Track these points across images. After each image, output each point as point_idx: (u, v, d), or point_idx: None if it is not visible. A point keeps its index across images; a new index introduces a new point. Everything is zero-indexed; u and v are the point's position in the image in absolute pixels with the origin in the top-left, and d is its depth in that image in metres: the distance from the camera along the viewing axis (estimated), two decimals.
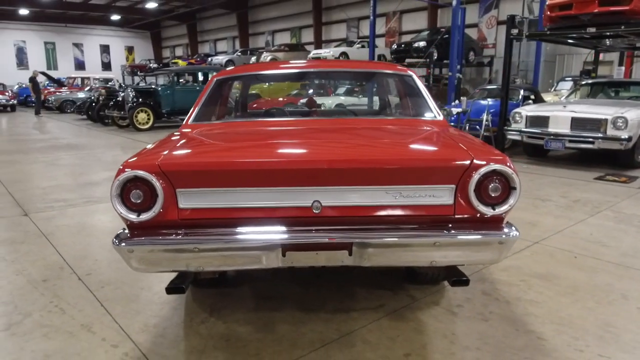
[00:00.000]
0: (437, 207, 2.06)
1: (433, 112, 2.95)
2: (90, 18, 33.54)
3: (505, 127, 7.82)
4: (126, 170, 1.96)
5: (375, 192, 2.04)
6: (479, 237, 2.02)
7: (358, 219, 2.05)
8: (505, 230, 2.06)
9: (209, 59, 24.86)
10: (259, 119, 3.21)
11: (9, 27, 31.93)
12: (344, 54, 18.64)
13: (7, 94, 19.87)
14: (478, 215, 2.04)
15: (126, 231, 2.03)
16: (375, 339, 2.38)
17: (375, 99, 4.31)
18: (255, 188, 2.00)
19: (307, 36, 25.43)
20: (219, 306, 2.74)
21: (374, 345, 2.33)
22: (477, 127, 8.24)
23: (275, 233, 2.00)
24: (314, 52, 19.58)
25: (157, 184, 1.96)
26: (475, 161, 2.01)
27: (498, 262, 2.16)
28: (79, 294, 2.89)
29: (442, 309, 2.68)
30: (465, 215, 2.05)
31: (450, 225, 2.06)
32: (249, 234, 2.00)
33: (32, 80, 18.04)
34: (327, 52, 18.85)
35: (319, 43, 24.07)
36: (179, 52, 36.31)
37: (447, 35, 14.69)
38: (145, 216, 1.97)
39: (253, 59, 22.62)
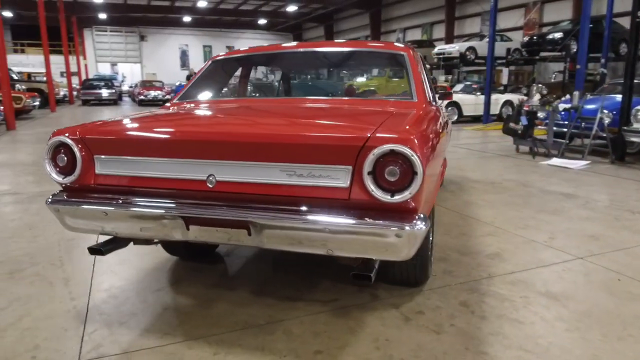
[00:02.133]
0: (332, 190, 1.83)
1: (411, 93, 2.62)
2: (241, 23, 36.95)
3: (625, 127, 6.56)
4: (54, 137, 2.14)
5: (269, 169, 1.89)
6: (368, 226, 1.75)
7: (252, 197, 1.93)
8: (407, 222, 1.74)
9: None
10: (230, 99, 3.16)
11: (175, 33, 36.82)
12: (471, 48, 17.49)
13: (163, 90, 22.97)
14: (376, 202, 1.77)
15: (62, 193, 2.22)
16: (299, 331, 2.22)
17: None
18: (157, 158, 2.02)
19: (439, 32, 24.46)
20: (184, 278, 2.82)
21: (292, 337, 2.17)
22: (593, 126, 7.05)
23: (171, 204, 1.99)
24: (438, 48, 18.75)
25: (77, 150, 2.10)
26: (371, 140, 1.75)
27: (402, 258, 1.84)
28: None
29: (398, 314, 2.37)
30: (362, 201, 1.79)
31: (344, 210, 1.82)
32: (149, 202, 2.02)
33: (189, 77, 20.61)
34: (453, 47, 17.89)
35: (450, 39, 22.97)
36: None
37: (591, 25, 12.80)
38: (68, 179, 2.13)
39: None
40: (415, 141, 1.73)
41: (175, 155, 1.98)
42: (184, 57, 38.17)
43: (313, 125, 2.18)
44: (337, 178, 1.82)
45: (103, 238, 2.32)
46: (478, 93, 13.53)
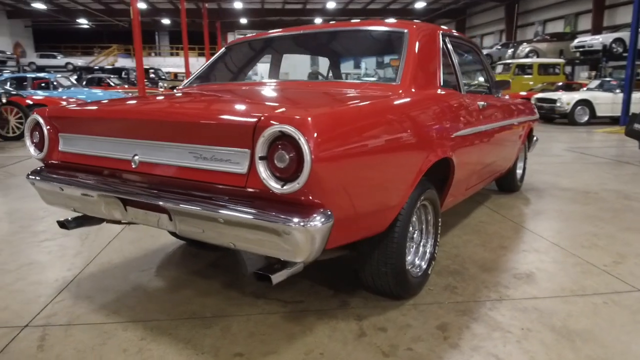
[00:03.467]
0: (232, 176, 1.63)
1: (396, 75, 2.25)
2: (392, 10, 36.95)
3: None
4: (32, 115, 2.29)
5: (179, 151, 1.77)
6: (256, 219, 1.51)
7: (166, 180, 1.82)
8: (300, 218, 1.47)
9: None
10: (218, 83, 2.99)
11: None
12: (618, 40, 15.09)
13: None
14: (269, 192, 1.52)
15: (40, 168, 2.36)
16: (237, 330, 2.05)
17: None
18: (97, 137, 2.03)
19: (584, 23, 21.55)
20: (175, 261, 2.84)
21: (226, 334, 2.01)
22: None
23: (106, 184, 1.98)
24: (577, 41, 16.55)
25: (45, 128, 2.21)
26: (263, 120, 1.51)
27: (301, 259, 1.55)
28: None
29: (356, 327, 2.06)
30: (258, 191, 1.56)
31: (241, 200, 1.60)
32: (89, 181, 2.04)
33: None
34: (595, 39, 15.63)
35: (597, 30, 20.09)
36: (486, 41, 36.17)
37: None
38: (40, 155, 2.26)
39: (509, 52, 20.72)
40: (309, 122, 1.45)
41: (108, 133, 1.97)
42: (314, 57, 39.52)
43: (224, 105, 2.01)
44: (237, 162, 1.62)
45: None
46: (617, 90, 11.60)
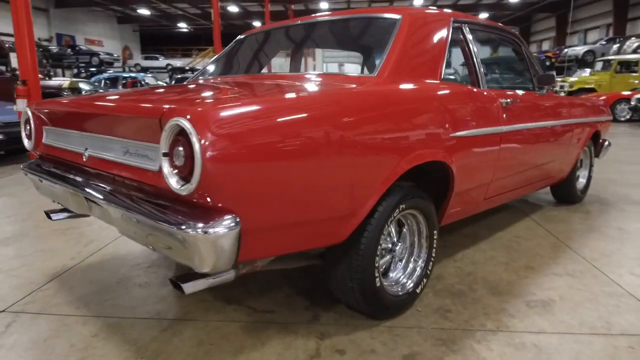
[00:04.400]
0: (147, 173, 1.51)
1: (375, 67, 1.98)
2: None
3: None
4: (25, 109, 2.37)
5: (112, 145, 1.70)
6: (155, 222, 1.37)
7: (104, 174, 1.75)
8: (197, 223, 1.30)
9: (565, 50, 22.08)
10: (226, 75, 2.85)
11: None
12: None
13: None
14: (172, 192, 1.37)
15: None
16: (188, 336, 1.94)
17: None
18: (63, 129, 2.04)
19: None
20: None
21: (175, 339, 1.91)
22: None
23: (64, 177, 1.97)
24: None
25: (32, 120, 2.27)
26: (166, 113, 1.36)
27: (205, 269, 1.38)
28: None
29: (313, 345, 1.86)
30: (166, 190, 1.42)
31: (154, 198, 1.48)
32: (56, 173, 2.05)
33: None
34: None
35: None
36: (545, 46, 33.64)
37: None
38: (29, 146, 2.34)
39: (614, 47, 18.61)
40: (204, 116, 1.28)
41: (70, 126, 1.96)
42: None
43: (150, 98, 1.89)
44: (152, 159, 1.50)
45: None
46: None
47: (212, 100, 1.70)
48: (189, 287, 1.46)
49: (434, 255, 2.22)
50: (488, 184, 2.54)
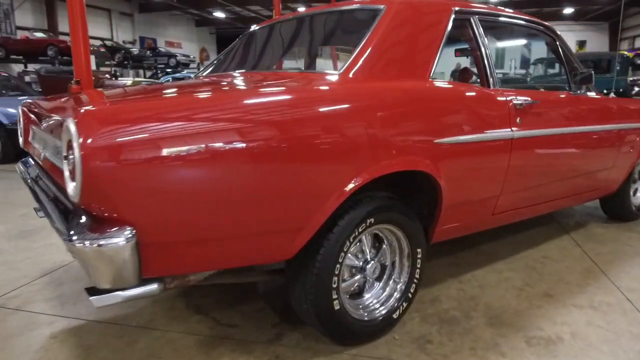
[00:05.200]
0: (62, 176, 1.42)
1: (342, 64, 1.75)
2: (543, 14, 33.14)
3: None
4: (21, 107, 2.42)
5: (51, 144, 1.64)
6: (56, 229, 1.27)
7: (48, 176, 1.72)
8: (89, 234, 1.18)
9: None
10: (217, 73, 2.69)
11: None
12: None
13: None
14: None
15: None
16: (142, 346, 1.86)
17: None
18: (35, 128, 2.03)
19: None
20: None
21: (127, 349, 1.83)
22: None
23: (31, 177, 1.96)
24: None
25: (22, 118, 2.32)
26: (67, 113, 1.26)
27: (104, 284, 1.26)
28: None
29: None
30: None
31: (67, 205, 1.38)
32: (27, 173, 2.05)
33: (453, 73, 20.03)
34: None
35: None
36: (638, 43, 30.56)
37: None
38: (21, 143, 2.39)
39: None
40: (86, 117, 1.16)
41: (38, 125, 1.95)
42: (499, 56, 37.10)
43: (80, 97, 1.79)
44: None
45: None
46: None
47: (115, 100, 1.57)
48: (98, 300, 1.35)
49: (417, 276, 1.97)
50: (496, 197, 2.23)
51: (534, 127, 2.27)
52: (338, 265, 1.68)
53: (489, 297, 2.27)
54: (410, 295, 1.96)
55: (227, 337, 1.92)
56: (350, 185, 1.58)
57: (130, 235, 1.21)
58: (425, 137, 1.79)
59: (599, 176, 2.92)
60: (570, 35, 35.53)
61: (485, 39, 2.23)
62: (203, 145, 1.27)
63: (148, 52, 25.60)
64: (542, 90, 2.59)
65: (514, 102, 2.18)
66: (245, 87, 1.82)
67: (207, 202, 1.32)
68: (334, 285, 1.68)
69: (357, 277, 1.87)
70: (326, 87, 1.69)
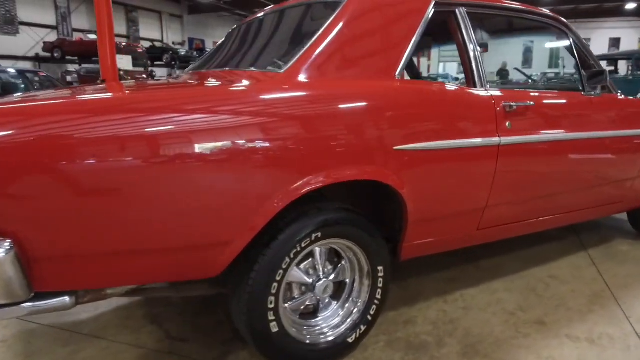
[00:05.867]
0: None
1: (288, 60, 1.58)
2: (602, 10, 31.17)
3: None
4: None
5: None
6: None
7: None
8: None
9: None
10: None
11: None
12: None
13: None
14: None
15: None
16: (82, 358, 1.78)
17: None
18: None
19: None
20: None
21: (68, 359, 1.76)
22: None
23: None
24: None
25: None
26: None
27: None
28: None
29: None
30: None
31: None
32: None
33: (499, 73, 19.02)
34: None
35: None
36: None
37: None
38: None
39: None
40: None
41: None
42: (527, 53, 35.48)
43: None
44: None
45: None
46: None
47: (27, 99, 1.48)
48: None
49: (379, 297, 1.77)
50: (481, 210, 1.99)
51: (529, 132, 2.01)
52: (275, 284, 1.52)
53: (471, 322, 2.03)
54: (370, 317, 1.77)
55: (172, 352, 1.81)
56: (282, 198, 1.42)
57: (8, 248, 1.12)
58: (382, 144, 1.60)
59: (620, 187, 2.59)
60: (631, 33, 33.33)
61: (473, 33, 2.00)
62: (101, 153, 1.16)
63: (195, 52, 26.30)
64: (544, 91, 2.30)
65: (504, 104, 1.94)
66: (169, 89, 1.69)
67: (101, 215, 1.21)
68: (271, 306, 1.52)
69: (308, 295, 1.70)
70: (258, 88, 1.53)
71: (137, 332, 1.96)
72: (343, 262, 1.76)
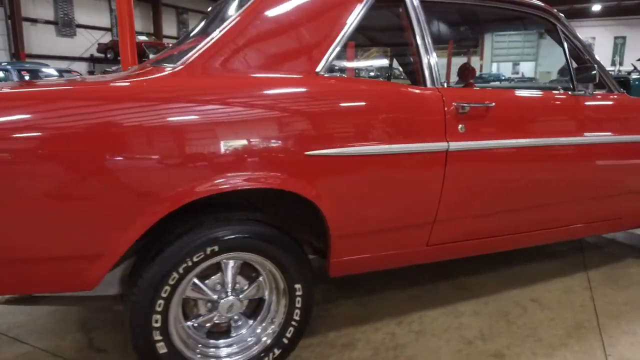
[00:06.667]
0: None
1: (184, 56, 1.43)
2: (573, 12, 28.87)
3: None
4: None
5: None
6: None
7: None
8: None
9: None
10: None
11: (581, 25, 32.57)
12: None
13: None
14: None
15: None
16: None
17: None
18: None
19: None
20: None
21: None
22: None
23: None
24: None
25: None
26: None
27: None
28: None
29: None
30: None
31: None
32: None
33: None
34: None
35: None
36: None
37: None
38: None
39: None
40: None
41: None
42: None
43: None
44: None
45: None
46: None
47: None
48: None
49: (297, 318, 1.60)
50: (429, 224, 1.76)
51: (488, 137, 1.76)
52: (161, 301, 1.39)
53: (418, 349, 1.81)
54: (286, 340, 1.59)
55: None
56: (156, 211, 1.28)
57: None
58: (289, 148, 1.42)
59: (617, 202, 2.25)
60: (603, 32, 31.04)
61: (426, 24, 1.77)
62: None
63: None
64: (520, 90, 2.02)
65: (455, 104, 1.70)
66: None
67: None
68: (156, 324, 1.39)
69: (215, 313, 1.55)
70: (135, 85, 1.40)
71: (62, 338, 1.89)
72: (261, 278, 1.60)
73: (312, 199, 1.47)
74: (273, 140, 1.40)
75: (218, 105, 1.37)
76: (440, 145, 1.66)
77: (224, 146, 1.34)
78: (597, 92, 2.17)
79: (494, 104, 1.76)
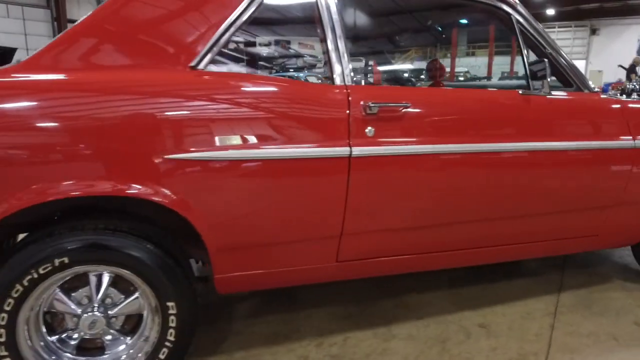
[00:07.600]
0: None
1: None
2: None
3: None
4: None
5: None
6: None
7: None
8: None
9: None
10: None
11: (635, 22, 30.68)
12: None
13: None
14: None
15: None
16: None
17: None
18: None
19: None
20: None
21: None
22: None
23: None
24: None
25: None
26: None
27: None
28: None
29: None
30: None
31: None
32: None
33: (630, 70, 16.58)
34: None
35: None
36: None
37: None
38: None
39: None
40: None
41: None
42: None
43: None
44: None
45: None
46: None
47: None
48: None
49: (171, 338, 1.45)
50: (335, 237, 1.56)
51: (404, 141, 1.55)
52: (4, 315, 1.28)
53: None
54: None
55: None
56: None
57: None
58: (142, 151, 1.28)
59: (587, 218, 1.96)
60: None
61: (337, 15, 1.58)
62: None
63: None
64: (452, 89, 1.79)
65: (363, 104, 1.50)
66: None
67: None
68: (1, 339, 1.29)
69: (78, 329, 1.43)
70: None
71: None
72: (137, 293, 1.46)
73: (175, 207, 1.32)
74: (124, 142, 1.27)
75: (69, 101, 1.25)
76: (340, 150, 1.46)
77: (67, 148, 1.22)
78: (564, 91, 1.91)
79: (409, 104, 1.55)
